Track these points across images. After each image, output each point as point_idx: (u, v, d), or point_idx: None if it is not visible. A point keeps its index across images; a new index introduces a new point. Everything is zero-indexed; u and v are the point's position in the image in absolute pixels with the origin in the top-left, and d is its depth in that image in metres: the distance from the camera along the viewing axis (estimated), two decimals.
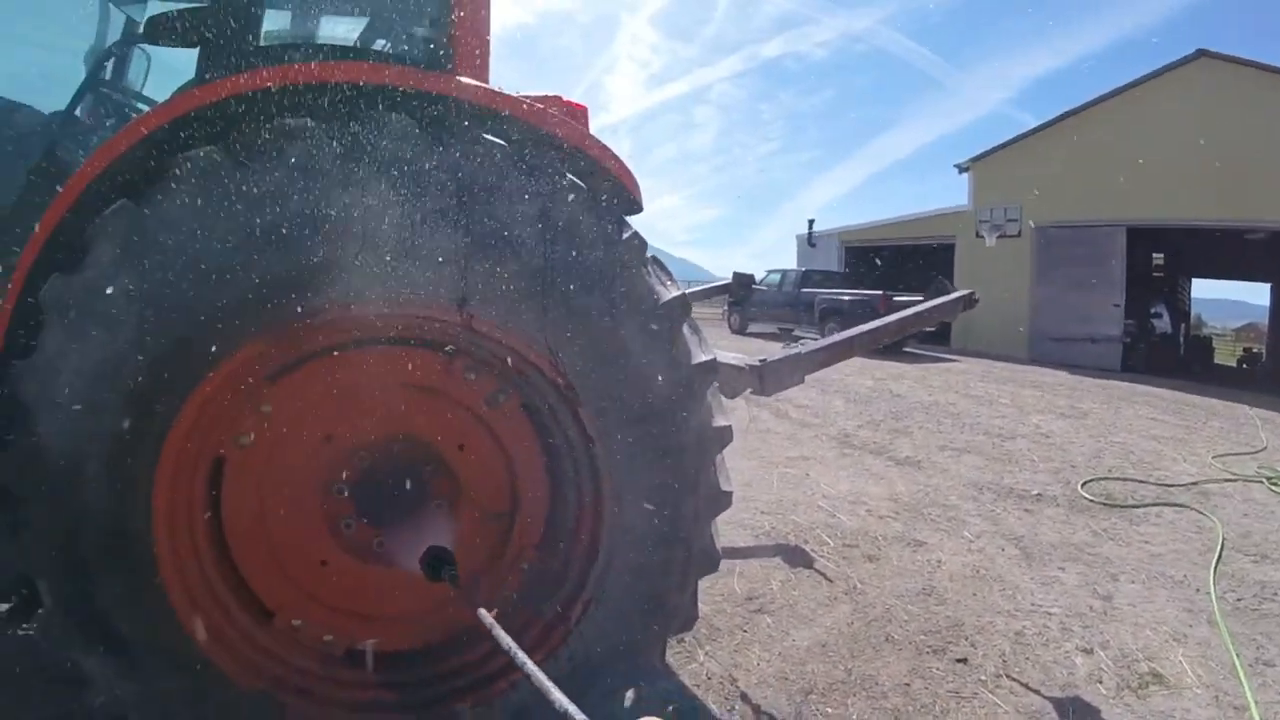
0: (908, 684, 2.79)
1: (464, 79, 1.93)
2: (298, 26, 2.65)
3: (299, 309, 1.64)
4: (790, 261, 25.26)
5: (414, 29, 2.35)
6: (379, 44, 2.58)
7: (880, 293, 16.70)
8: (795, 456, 6.46)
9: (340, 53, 2.41)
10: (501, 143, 1.79)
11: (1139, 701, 2.75)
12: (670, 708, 1.66)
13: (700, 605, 2.09)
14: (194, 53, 2.01)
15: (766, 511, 4.79)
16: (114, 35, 2.82)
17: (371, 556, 1.90)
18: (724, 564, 2.10)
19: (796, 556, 4.06)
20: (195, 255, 1.56)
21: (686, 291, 2.01)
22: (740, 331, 20.77)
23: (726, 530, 3.95)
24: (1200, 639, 3.27)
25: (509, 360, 1.84)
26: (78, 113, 2.59)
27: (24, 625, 1.82)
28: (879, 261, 22.34)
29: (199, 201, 1.57)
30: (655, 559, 1.90)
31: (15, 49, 2.98)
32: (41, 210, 1.70)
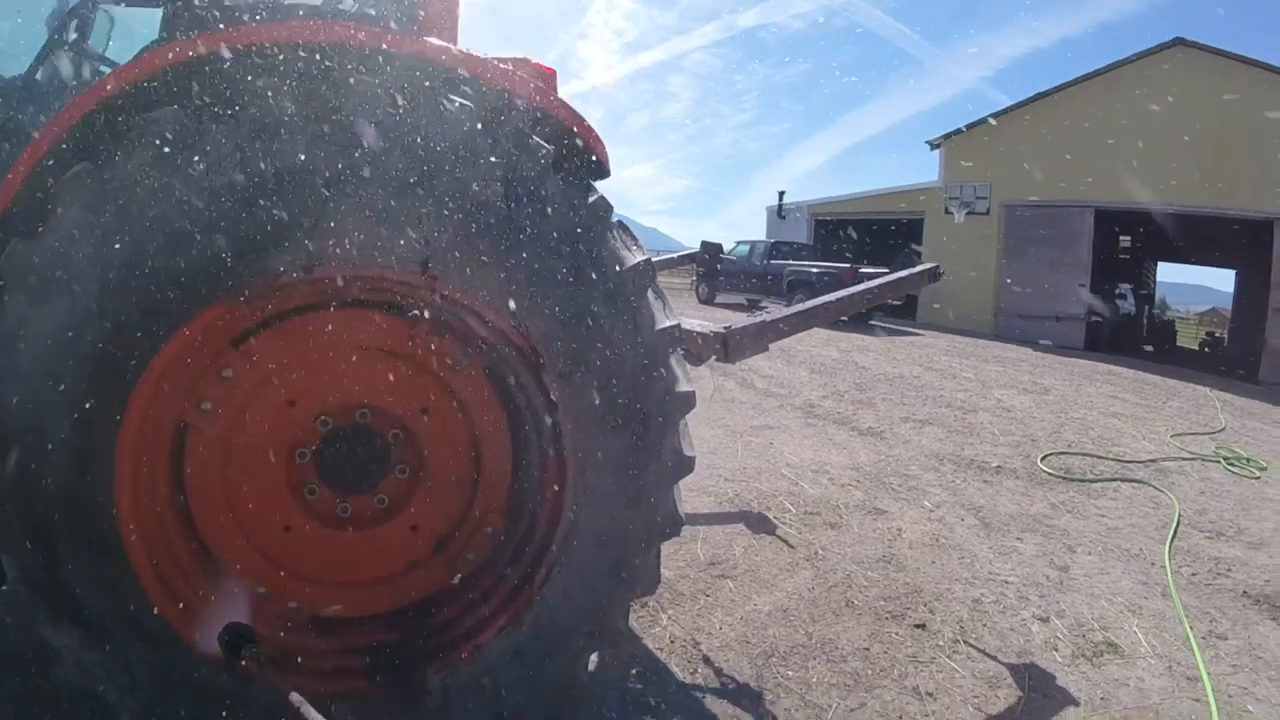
0: (867, 648, 2.86)
1: (431, 40, 1.92)
2: None
3: (260, 272, 1.63)
4: (760, 233, 25.33)
5: None
6: (347, 4, 2.52)
7: (848, 266, 16.87)
8: (760, 425, 6.53)
9: (309, 12, 2.35)
10: (467, 104, 1.76)
11: (1094, 669, 2.84)
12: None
13: (663, 570, 2.12)
14: (158, 13, 1.95)
15: (730, 479, 4.85)
16: None
17: (335, 522, 1.90)
18: (687, 530, 2.13)
19: (759, 523, 4.13)
20: (156, 218, 1.55)
21: (654, 259, 2.01)
22: (708, 302, 20.85)
23: (690, 496, 3.99)
24: (1155, 611, 3.38)
25: (471, 323, 1.84)
26: (39, 76, 2.51)
27: None
28: (848, 235, 22.53)
29: (160, 164, 1.55)
30: (619, 523, 1.92)
31: None
32: (1, 175, 1.66)
